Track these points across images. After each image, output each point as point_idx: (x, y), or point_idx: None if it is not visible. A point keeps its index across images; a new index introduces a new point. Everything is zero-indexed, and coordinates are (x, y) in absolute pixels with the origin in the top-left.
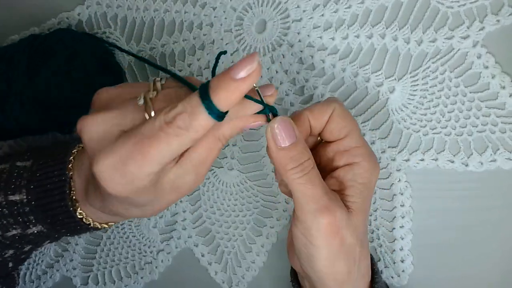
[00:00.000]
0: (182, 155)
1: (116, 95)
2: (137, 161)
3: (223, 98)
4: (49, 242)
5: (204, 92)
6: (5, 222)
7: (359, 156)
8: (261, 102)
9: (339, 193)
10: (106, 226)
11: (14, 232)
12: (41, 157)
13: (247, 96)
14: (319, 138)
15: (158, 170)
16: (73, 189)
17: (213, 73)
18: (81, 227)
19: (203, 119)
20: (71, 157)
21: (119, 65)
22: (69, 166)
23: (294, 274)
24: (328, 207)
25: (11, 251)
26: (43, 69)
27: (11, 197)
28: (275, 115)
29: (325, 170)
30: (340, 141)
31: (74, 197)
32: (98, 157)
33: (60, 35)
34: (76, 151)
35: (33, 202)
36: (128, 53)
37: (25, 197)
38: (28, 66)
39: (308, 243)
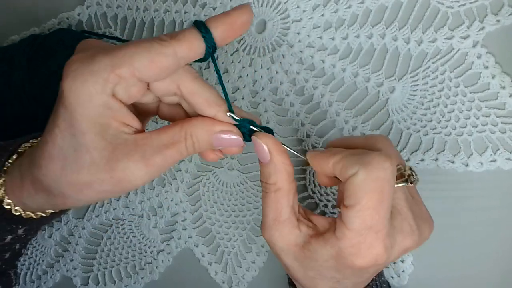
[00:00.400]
0: (142, 133)
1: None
2: (108, 53)
3: (214, 21)
4: (12, 238)
5: (198, 21)
6: None
7: (341, 233)
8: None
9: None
10: (34, 216)
11: None
12: None
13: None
14: None
15: (124, 84)
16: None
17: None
18: (18, 217)
19: (192, 34)
20: (10, 154)
21: None
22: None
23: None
24: (268, 228)
25: None
26: (43, 69)
27: None
28: (269, 130)
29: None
30: (344, 207)
31: (3, 187)
32: (75, 54)
33: (60, 35)
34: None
35: None
36: (110, 37)
37: None
38: (28, 66)
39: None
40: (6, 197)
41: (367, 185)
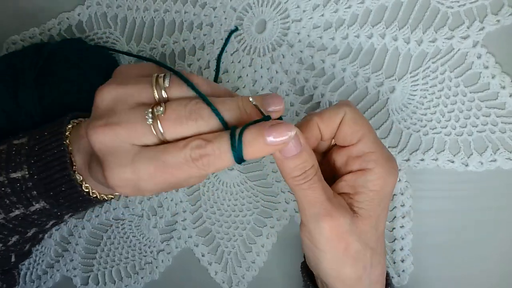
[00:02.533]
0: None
1: (119, 98)
2: (156, 183)
3: (251, 153)
4: (53, 224)
5: (234, 141)
6: (8, 201)
7: (372, 162)
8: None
9: (350, 197)
10: (106, 197)
11: (17, 212)
12: (36, 132)
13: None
14: (333, 141)
15: None
16: (74, 163)
17: (219, 59)
18: (83, 199)
19: (227, 162)
20: (67, 131)
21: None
22: (67, 136)
23: (306, 272)
24: (330, 212)
25: (15, 237)
26: (52, 91)
27: (13, 175)
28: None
29: (339, 173)
30: (353, 146)
31: (75, 171)
32: (115, 171)
33: (65, 52)
34: (72, 126)
35: (35, 176)
36: (133, 55)
37: (26, 172)
38: (36, 87)
39: (313, 246)
40: (85, 182)
41: (359, 114)
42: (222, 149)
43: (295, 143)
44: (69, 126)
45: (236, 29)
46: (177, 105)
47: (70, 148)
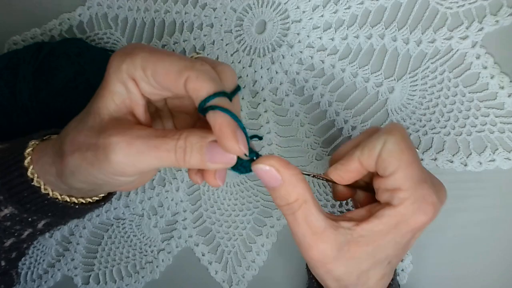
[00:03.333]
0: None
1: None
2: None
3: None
4: (29, 235)
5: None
6: None
7: (397, 200)
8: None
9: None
10: (67, 199)
11: None
12: (5, 143)
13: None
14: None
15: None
16: (32, 166)
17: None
18: (48, 202)
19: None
20: (32, 141)
21: None
22: (32, 144)
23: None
24: (310, 246)
25: None
26: (49, 85)
27: None
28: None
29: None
30: (385, 179)
31: (32, 167)
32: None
33: (65, 48)
34: (37, 142)
35: None
36: None
37: None
38: (34, 82)
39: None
40: (36, 174)
41: (400, 145)
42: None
43: (271, 176)
44: (33, 142)
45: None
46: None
47: (29, 157)
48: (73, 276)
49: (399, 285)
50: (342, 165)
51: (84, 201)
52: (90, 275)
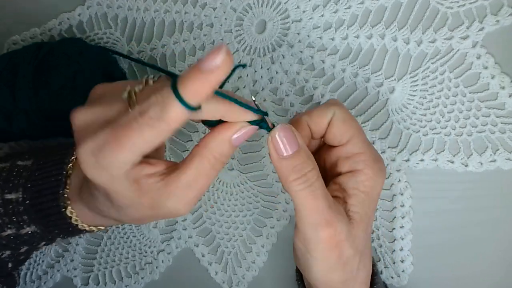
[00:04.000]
0: (169, 173)
1: (109, 90)
2: (111, 148)
3: (191, 90)
4: (45, 244)
5: (175, 84)
6: (0, 221)
7: (361, 163)
8: (255, 109)
9: (342, 201)
10: (95, 229)
11: (9, 232)
12: (42, 156)
13: (240, 103)
14: (322, 140)
15: (133, 162)
16: (67, 187)
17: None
18: (72, 229)
19: (175, 110)
20: (72, 157)
21: (123, 76)
22: (69, 166)
23: (299, 273)
24: (329, 221)
25: (7, 252)
26: (48, 85)
27: (7, 196)
28: (272, 124)
29: (329, 174)
30: (343, 147)
31: (66, 195)
32: (79, 143)
33: (65, 48)
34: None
35: (27, 202)
36: (132, 59)
37: (20, 196)
38: (33, 81)
39: (307, 253)
40: (76, 216)
41: (349, 114)
42: (164, 94)
43: (290, 139)
44: (73, 157)
45: (244, 65)
46: (156, 85)
47: (70, 172)
48: (73, 277)
49: (385, 286)
50: (297, 122)
51: (96, 229)
52: (90, 276)
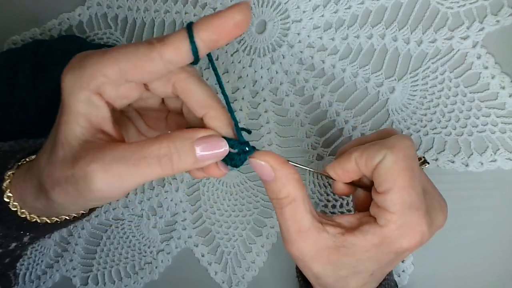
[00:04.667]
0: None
1: None
2: (96, 54)
3: (203, 25)
4: (16, 247)
5: (191, 24)
6: None
7: (384, 221)
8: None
9: (347, 229)
10: (48, 220)
11: None
12: None
13: (232, 114)
14: None
15: (110, 80)
16: (8, 190)
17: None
18: (28, 223)
19: (179, 39)
20: (9, 173)
21: None
22: (6, 177)
23: (299, 270)
24: (293, 241)
25: None
26: (47, 80)
27: None
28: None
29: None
30: (378, 194)
31: (11, 197)
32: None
33: (64, 45)
34: (13, 171)
35: None
36: None
37: None
38: (33, 75)
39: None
40: (12, 198)
41: (398, 165)
42: (175, 34)
43: (264, 171)
44: (9, 173)
45: (249, 131)
46: None
47: (9, 171)
48: (72, 277)
49: (396, 286)
50: (339, 163)
51: (68, 217)
52: (89, 276)
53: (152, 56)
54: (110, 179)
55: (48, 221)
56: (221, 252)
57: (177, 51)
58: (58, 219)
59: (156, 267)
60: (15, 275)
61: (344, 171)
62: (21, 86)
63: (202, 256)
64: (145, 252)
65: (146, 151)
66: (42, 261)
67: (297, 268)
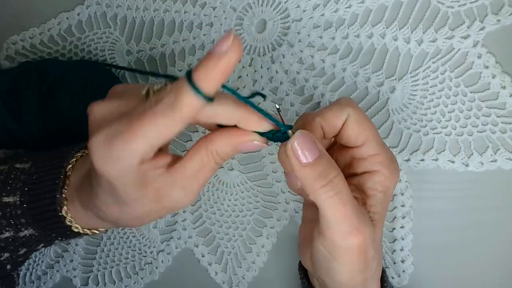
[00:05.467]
0: (173, 165)
1: (128, 88)
2: (124, 136)
3: (203, 75)
4: (43, 246)
5: (190, 72)
6: None
7: (378, 164)
8: (278, 123)
9: (361, 202)
10: (89, 232)
11: (7, 234)
12: (40, 159)
13: (261, 111)
14: (333, 139)
15: (144, 153)
16: (65, 187)
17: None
18: (69, 232)
19: (188, 97)
20: (72, 159)
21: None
22: (69, 167)
23: (303, 271)
24: (359, 228)
25: (6, 254)
26: (54, 114)
27: (5, 199)
28: (284, 133)
29: (343, 174)
30: (357, 148)
31: (64, 195)
32: (93, 133)
33: (68, 80)
34: (81, 155)
35: (24, 205)
36: (145, 72)
37: (18, 199)
38: (39, 110)
39: (331, 258)
40: (72, 219)
41: (363, 116)
42: (179, 83)
43: (310, 146)
44: (73, 159)
45: (264, 96)
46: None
47: (69, 173)
48: (72, 277)
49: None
50: (308, 121)
51: (96, 231)
52: (89, 276)
53: (174, 126)
54: (194, 194)
55: (89, 232)
56: (221, 252)
57: (193, 112)
58: (97, 232)
59: (156, 268)
60: (18, 275)
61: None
62: (28, 121)
63: (202, 256)
64: (145, 253)
65: (204, 159)
66: (42, 261)
67: (299, 267)
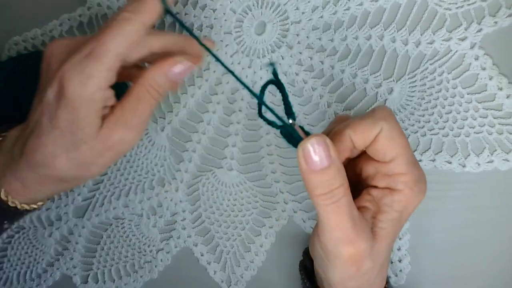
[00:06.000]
0: (112, 110)
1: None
2: (96, 52)
3: None
4: None
5: None
6: None
7: (401, 184)
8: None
9: (371, 213)
10: (31, 207)
11: None
12: None
13: (192, 35)
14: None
15: (115, 66)
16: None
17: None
18: (8, 211)
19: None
20: None
21: (126, 85)
22: None
23: (304, 271)
24: (352, 239)
25: None
26: None
27: None
28: (307, 133)
29: (364, 183)
30: (385, 164)
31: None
32: (64, 61)
33: None
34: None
35: None
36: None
37: None
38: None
39: (326, 260)
40: (9, 196)
41: (396, 132)
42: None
43: (324, 154)
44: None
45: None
46: None
47: None
48: (72, 275)
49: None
50: (335, 142)
51: (35, 206)
52: (89, 275)
53: (138, 29)
54: (138, 130)
55: (28, 207)
56: (220, 251)
57: (153, 15)
58: (36, 206)
59: (155, 266)
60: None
61: (340, 152)
62: (27, 104)
63: (201, 255)
64: (145, 251)
65: (140, 93)
66: (42, 259)
67: (300, 267)
